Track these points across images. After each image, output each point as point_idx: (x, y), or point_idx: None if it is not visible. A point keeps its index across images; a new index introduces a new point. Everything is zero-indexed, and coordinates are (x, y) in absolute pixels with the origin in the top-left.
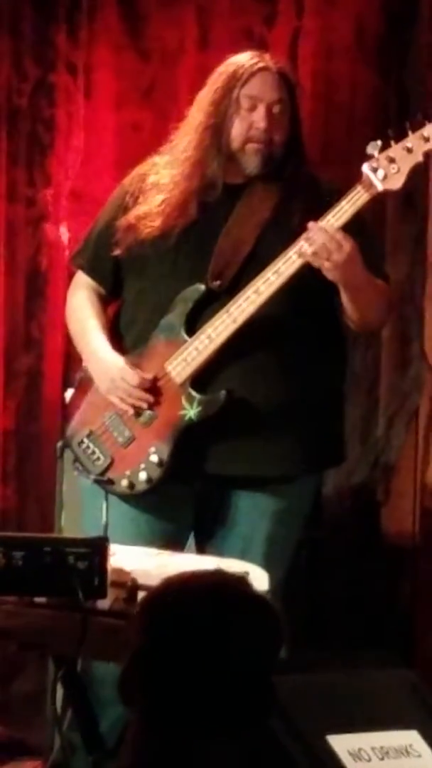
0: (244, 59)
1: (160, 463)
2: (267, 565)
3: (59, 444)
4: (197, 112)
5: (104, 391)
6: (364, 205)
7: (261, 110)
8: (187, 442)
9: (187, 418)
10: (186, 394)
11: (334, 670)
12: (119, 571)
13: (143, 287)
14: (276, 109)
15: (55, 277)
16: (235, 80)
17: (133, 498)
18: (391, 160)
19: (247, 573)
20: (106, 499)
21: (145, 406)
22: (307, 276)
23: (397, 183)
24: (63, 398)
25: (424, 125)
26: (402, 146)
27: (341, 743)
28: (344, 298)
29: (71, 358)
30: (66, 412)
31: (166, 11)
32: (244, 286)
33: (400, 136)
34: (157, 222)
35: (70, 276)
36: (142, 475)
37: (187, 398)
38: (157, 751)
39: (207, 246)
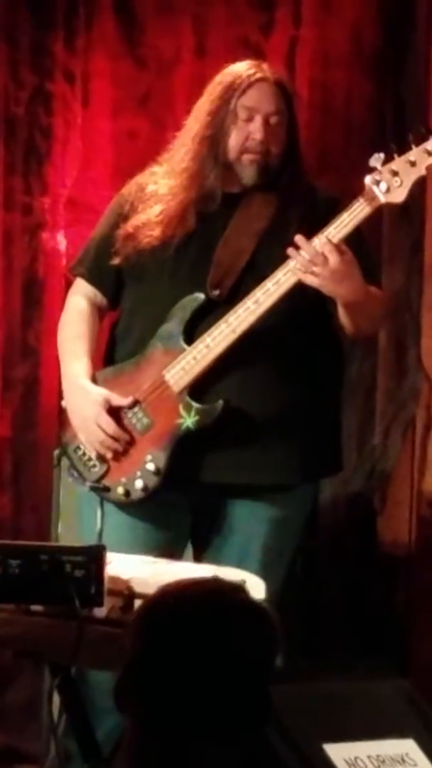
0: (241, 69)
1: (157, 472)
2: (264, 573)
3: (56, 452)
4: (194, 122)
5: (74, 425)
6: (366, 218)
7: (258, 121)
8: (184, 451)
9: (184, 426)
10: (184, 402)
11: (330, 679)
12: (116, 580)
13: (142, 296)
14: (273, 119)
15: (52, 286)
16: (232, 91)
17: (130, 506)
18: (394, 173)
19: (243, 581)
20: (102, 507)
21: (109, 455)
22: (305, 286)
23: (399, 196)
24: (60, 406)
25: (428, 139)
26: (405, 159)
27: (337, 752)
28: (339, 309)
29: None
30: (62, 418)
31: (162, 20)
32: (242, 295)
33: (403, 149)
34: (156, 232)
35: (68, 284)
36: (138, 483)
37: (185, 407)
38: (152, 758)
39: (206, 255)
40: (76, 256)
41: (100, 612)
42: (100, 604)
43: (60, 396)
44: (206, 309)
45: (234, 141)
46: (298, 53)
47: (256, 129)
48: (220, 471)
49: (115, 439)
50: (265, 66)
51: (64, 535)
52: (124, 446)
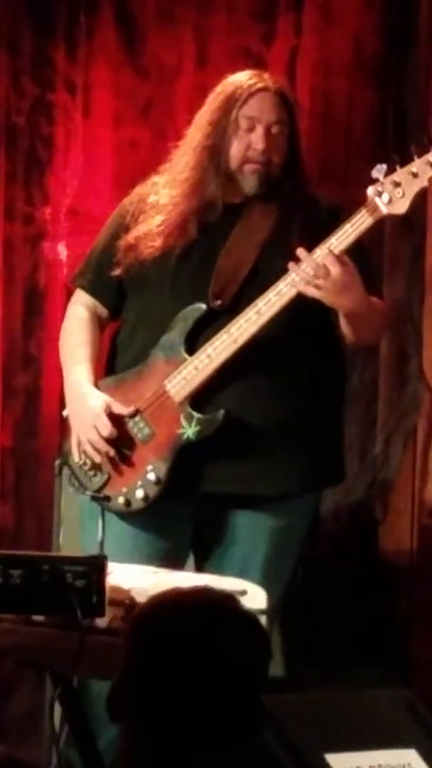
0: (242, 79)
1: (158, 481)
2: (266, 583)
3: (57, 461)
4: (196, 132)
5: (73, 428)
6: (368, 229)
7: (259, 131)
8: (186, 461)
9: (185, 436)
10: (185, 412)
11: (331, 688)
12: (117, 589)
13: (143, 306)
14: (274, 129)
15: (54, 295)
16: (233, 101)
17: (131, 516)
18: (397, 185)
19: (245, 591)
20: (103, 516)
21: (98, 459)
22: (307, 296)
23: (401, 208)
24: (61, 415)
25: (430, 150)
26: (407, 171)
27: (339, 762)
28: (341, 319)
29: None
30: (64, 426)
31: (164, 30)
32: (244, 305)
33: (405, 160)
34: (158, 242)
35: (69, 294)
36: (139, 493)
37: (186, 417)
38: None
39: (207, 265)
40: (77, 267)
41: (102, 622)
42: (102, 614)
43: (61, 405)
44: (208, 319)
45: (235, 151)
46: (299, 62)
47: (257, 139)
48: (222, 481)
49: (109, 443)
50: (266, 75)
51: (66, 545)
52: (123, 454)
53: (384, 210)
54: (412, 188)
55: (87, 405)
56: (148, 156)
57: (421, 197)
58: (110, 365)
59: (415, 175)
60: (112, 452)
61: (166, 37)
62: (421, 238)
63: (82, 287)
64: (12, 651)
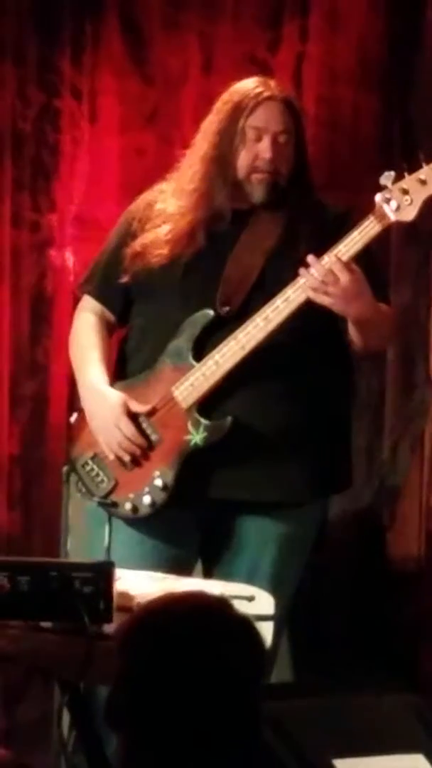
0: (248, 87)
1: (165, 488)
2: (273, 589)
3: (65, 469)
4: (202, 142)
5: (93, 429)
6: (376, 236)
7: (266, 141)
8: (193, 467)
9: (192, 443)
10: (192, 419)
11: (339, 694)
12: (125, 596)
13: (151, 313)
14: (281, 138)
15: (60, 302)
16: (240, 110)
17: (139, 522)
18: (405, 192)
19: (253, 597)
20: (110, 522)
21: (126, 458)
22: (315, 302)
23: (409, 215)
24: (68, 423)
25: None
26: (415, 178)
27: (347, 767)
28: (349, 326)
29: (76, 383)
30: (71, 433)
31: (169, 37)
32: (252, 312)
33: (414, 167)
34: (165, 250)
35: (76, 301)
36: (146, 499)
37: (193, 423)
38: None
39: (215, 272)
40: (83, 273)
41: (110, 628)
42: (109, 621)
43: (69, 412)
44: (215, 326)
45: (243, 161)
46: (305, 70)
47: (264, 149)
48: (230, 487)
49: (133, 442)
50: (272, 83)
51: (74, 552)
52: (132, 458)
53: (392, 217)
54: (420, 195)
55: (106, 404)
56: (154, 163)
57: (429, 204)
58: (119, 371)
59: (423, 182)
60: (135, 450)
61: (172, 44)
62: (428, 244)
63: (90, 293)
64: (20, 658)
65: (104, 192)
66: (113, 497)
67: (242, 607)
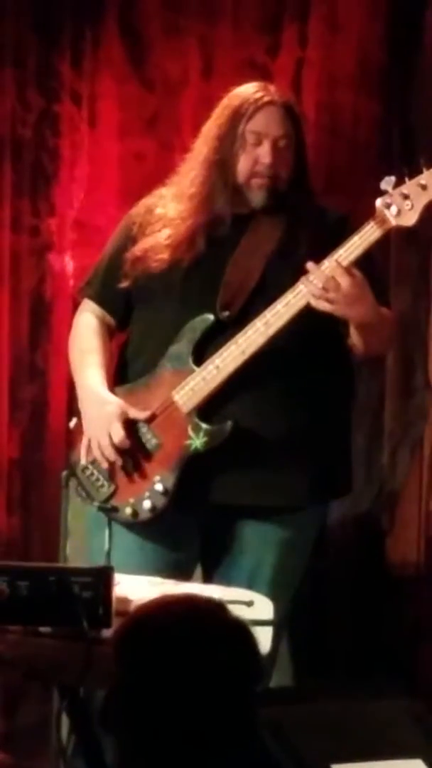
0: (248, 92)
1: (165, 492)
2: (273, 594)
3: (64, 473)
4: (203, 147)
5: (86, 431)
6: (376, 241)
7: (266, 146)
8: (193, 472)
9: (192, 447)
10: (192, 423)
11: (338, 699)
12: (124, 600)
13: (151, 317)
14: (281, 143)
15: (60, 307)
16: (240, 115)
17: (139, 526)
18: (405, 197)
19: (252, 602)
20: (110, 527)
21: (105, 465)
22: (317, 309)
23: (410, 220)
24: (68, 427)
25: None
26: (416, 183)
27: None
28: (351, 330)
29: (75, 387)
30: (71, 438)
31: (169, 42)
32: (252, 316)
33: (414, 172)
34: (165, 255)
35: (75, 306)
36: (146, 504)
37: (194, 428)
38: None
39: (215, 276)
40: (83, 278)
41: (109, 633)
42: (109, 625)
43: (68, 417)
44: (216, 330)
45: (243, 166)
46: (305, 74)
47: (264, 153)
48: (230, 492)
49: (119, 450)
50: (272, 88)
51: (73, 556)
52: (132, 463)
53: (393, 222)
54: (421, 200)
55: (103, 409)
56: (153, 167)
57: (429, 209)
58: (119, 376)
59: (423, 187)
60: (119, 461)
61: (172, 48)
62: (428, 249)
63: (90, 297)
64: (19, 663)
65: (104, 197)
66: (113, 502)
67: (241, 611)
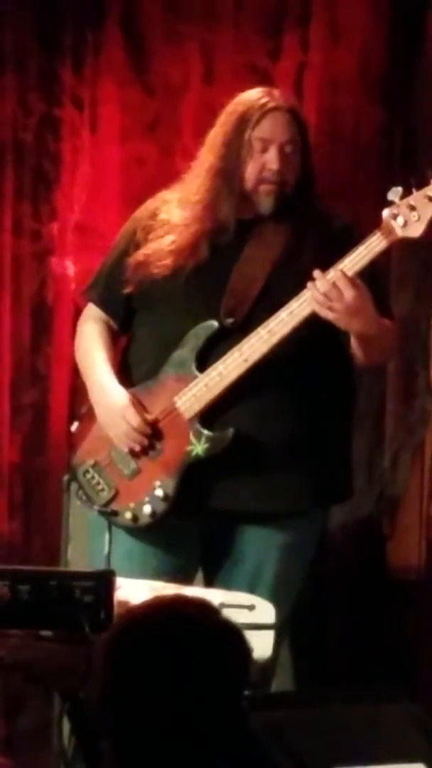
0: (254, 98)
1: (165, 498)
2: (274, 598)
3: (66, 477)
4: (208, 154)
5: (103, 425)
6: (382, 251)
7: (273, 151)
8: (195, 477)
9: (194, 454)
10: (194, 429)
11: (339, 703)
12: (125, 605)
13: (154, 323)
14: (288, 148)
15: (61, 311)
16: (245, 122)
17: (140, 531)
18: (412, 208)
19: (253, 606)
20: (110, 531)
21: (137, 448)
22: (319, 315)
23: (416, 231)
24: (69, 431)
25: None
26: (423, 194)
27: None
28: (352, 341)
29: (77, 392)
30: (72, 441)
31: (170, 46)
32: (255, 323)
33: (422, 183)
34: (168, 261)
35: (77, 310)
36: (147, 509)
37: (195, 434)
38: None
39: (219, 283)
40: (84, 282)
41: None
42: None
43: (70, 421)
44: (219, 337)
45: (250, 172)
46: (306, 79)
47: (271, 159)
48: (231, 497)
49: (140, 432)
50: (276, 93)
51: (74, 561)
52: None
53: (399, 233)
54: (428, 212)
55: (113, 399)
56: (155, 172)
57: None
58: (122, 381)
59: (430, 199)
60: (146, 441)
61: (173, 53)
62: (430, 253)
63: (93, 301)
64: (20, 667)
65: (105, 201)
66: (113, 506)
67: (243, 616)
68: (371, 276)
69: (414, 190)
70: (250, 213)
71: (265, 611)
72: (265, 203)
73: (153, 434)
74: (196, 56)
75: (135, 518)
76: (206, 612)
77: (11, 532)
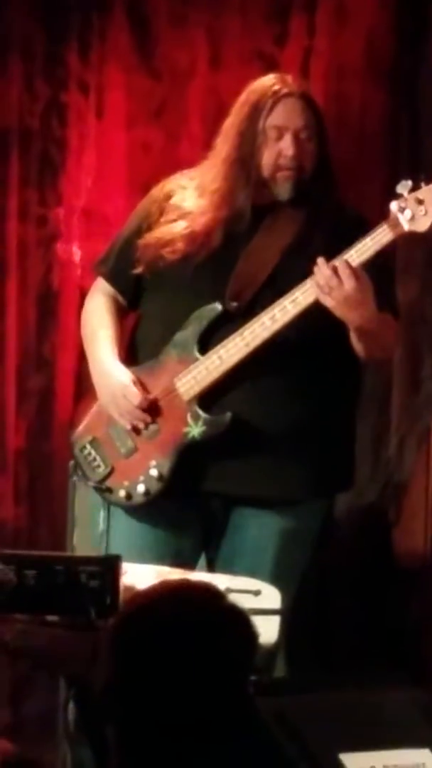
0: (266, 85)
1: (160, 478)
2: (276, 585)
3: (71, 463)
4: (224, 143)
5: (104, 404)
6: (388, 244)
7: (288, 138)
8: (191, 460)
9: (190, 435)
10: (192, 411)
11: (344, 689)
12: (131, 590)
13: (162, 303)
14: (303, 134)
15: (67, 297)
16: (259, 110)
17: (141, 514)
18: (420, 202)
19: (259, 591)
20: (108, 510)
21: (141, 425)
22: (322, 304)
23: (423, 225)
24: (74, 417)
25: None
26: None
27: (353, 762)
28: (351, 334)
29: (83, 377)
30: (74, 418)
31: (177, 32)
32: (259, 309)
33: (431, 178)
34: (180, 245)
35: (82, 295)
36: (140, 488)
37: (193, 416)
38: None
39: (227, 267)
40: (90, 268)
41: None
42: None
43: (75, 407)
44: (223, 320)
45: (267, 160)
46: (312, 64)
47: (287, 146)
48: (227, 481)
49: (142, 409)
50: (289, 79)
51: (80, 546)
52: (159, 413)
53: (406, 227)
54: None
55: (114, 377)
56: (161, 157)
57: None
58: (129, 358)
59: None
60: (148, 418)
61: (179, 39)
62: None
63: (103, 275)
64: (26, 652)
65: (111, 186)
66: (108, 483)
67: (248, 601)
68: (379, 269)
69: (423, 184)
70: (267, 199)
71: (271, 596)
72: (283, 189)
73: (152, 414)
74: (202, 42)
75: (129, 496)
76: (212, 597)
77: (17, 518)
